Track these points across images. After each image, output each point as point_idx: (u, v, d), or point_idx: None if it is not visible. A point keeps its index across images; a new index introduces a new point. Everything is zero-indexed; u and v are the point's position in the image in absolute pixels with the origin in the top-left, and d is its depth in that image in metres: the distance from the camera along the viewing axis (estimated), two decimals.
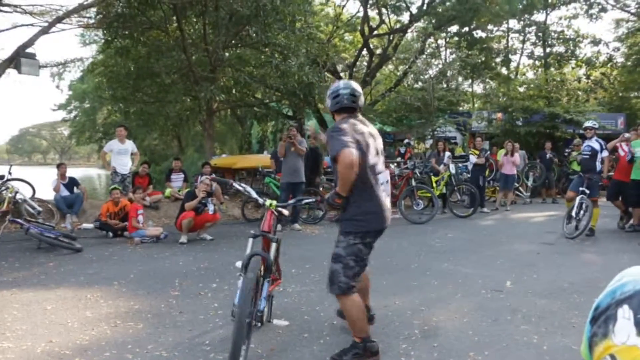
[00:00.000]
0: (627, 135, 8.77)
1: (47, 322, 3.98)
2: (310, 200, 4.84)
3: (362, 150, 3.06)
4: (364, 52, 18.97)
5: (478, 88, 24.54)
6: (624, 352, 0.84)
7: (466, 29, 21.05)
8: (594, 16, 21.68)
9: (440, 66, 18.67)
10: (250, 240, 3.58)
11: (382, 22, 18.79)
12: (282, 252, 4.05)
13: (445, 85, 16.91)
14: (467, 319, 4.04)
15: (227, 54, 13.05)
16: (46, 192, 9.92)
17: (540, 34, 22.67)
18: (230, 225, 9.50)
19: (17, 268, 5.89)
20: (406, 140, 16.10)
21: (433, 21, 18.44)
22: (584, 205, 7.82)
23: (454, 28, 21.14)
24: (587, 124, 8.53)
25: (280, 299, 4.42)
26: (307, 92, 12.95)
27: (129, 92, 13.63)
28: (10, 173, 9.15)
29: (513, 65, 24.15)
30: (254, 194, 4.05)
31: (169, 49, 12.35)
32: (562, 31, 22.92)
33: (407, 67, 17.35)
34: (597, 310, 0.95)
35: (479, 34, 22.21)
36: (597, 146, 8.06)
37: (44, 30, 9.70)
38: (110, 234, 8.07)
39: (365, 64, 19.83)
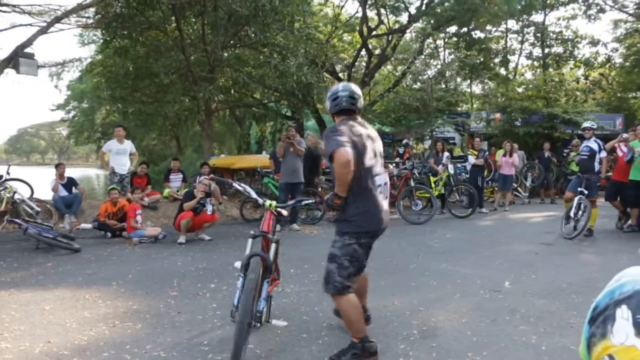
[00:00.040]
0: (625, 135, 8.78)
1: (45, 322, 3.98)
2: (310, 201, 4.85)
3: (358, 151, 3.07)
4: (363, 52, 18.96)
5: (477, 88, 24.59)
6: (623, 353, 0.84)
7: (465, 29, 21.06)
8: (593, 17, 21.71)
9: (439, 66, 18.71)
10: (250, 240, 3.58)
11: (380, 22, 18.80)
12: (281, 252, 4.05)
13: (444, 86, 16.91)
14: (466, 320, 4.04)
15: (225, 54, 13.04)
16: (44, 192, 9.90)
17: (538, 35, 22.68)
18: (228, 225, 9.50)
19: (15, 268, 5.87)
20: (405, 141, 16.09)
21: (432, 21, 18.45)
22: (582, 206, 7.83)
23: (452, 28, 21.15)
24: (586, 124, 8.54)
25: (279, 299, 4.42)
26: (305, 93, 12.95)
27: (128, 92, 13.62)
28: (8, 173, 9.15)
29: (512, 65, 24.19)
30: (253, 194, 4.06)
31: (168, 49, 12.34)
32: (561, 32, 22.95)
33: (405, 67, 17.34)
34: (596, 311, 0.95)
35: (478, 34, 22.23)
36: (595, 147, 8.08)
37: (43, 30, 9.69)
38: (109, 234, 8.07)
39: (364, 64, 19.83)
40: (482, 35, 22.41)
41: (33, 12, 10.36)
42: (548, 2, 21.65)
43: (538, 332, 3.74)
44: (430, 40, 20.33)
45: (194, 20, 12.79)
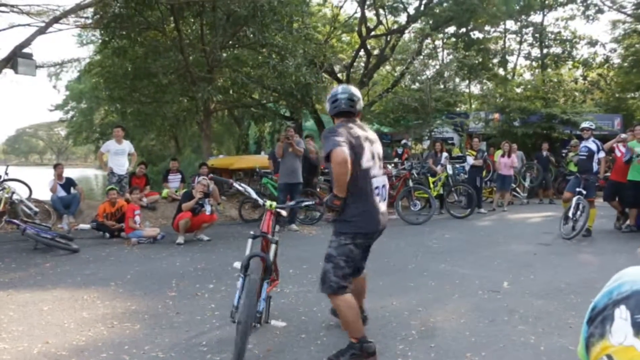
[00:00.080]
0: (623, 135, 8.79)
1: (43, 323, 3.97)
2: (310, 203, 4.86)
3: (354, 152, 3.09)
4: (362, 52, 18.95)
5: (475, 89, 24.61)
6: (621, 353, 0.84)
7: (463, 29, 21.07)
8: (591, 17, 21.77)
9: (437, 67, 18.71)
10: (250, 241, 3.59)
11: (379, 23, 18.80)
12: (280, 252, 4.05)
13: (442, 86, 16.93)
14: (465, 320, 4.04)
15: (224, 55, 13.02)
16: (43, 193, 9.88)
17: (537, 35, 22.73)
18: (227, 225, 9.50)
19: (13, 269, 5.87)
20: (403, 141, 16.09)
21: (430, 22, 18.45)
22: (580, 206, 7.84)
23: (451, 29, 21.17)
24: (584, 124, 8.55)
25: (278, 299, 4.42)
26: (304, 93, 12.94)
27: (126, 92, 13.60)
28: (6, 173, 9.14)
29: (510, 66, 24.22)
30: (254, 195, 4.07)
31: (166, 49, 12.33)
32: (559, 32, 23.01)
33: (404, 67, 17.37)
34: (594, 311, 0.95)
35: (476, 34, 22.25)
36: (593, 147, 8.08)
37: (41, 31, 9.68)
38: (107, 234, 8.06)
39: (362, 64, 19.82)
40: (480, 35, 22.44)
41: (31, 12, 10.34)
42: (546, 2, 21.70)
43: (537, 333, 3.74)
44: (428, 40, 20.34)
45: (192, 20, 12.78)
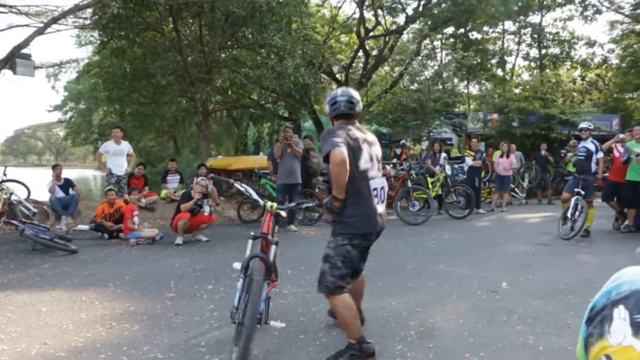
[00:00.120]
0: (622, 136, 8.81)
1: (41, 324, 3.96)
2: (311, 204, 4.86)
3: (352, 154, 3.11)
4: (360, 53, 18.96)
5: (474, 89, 24.62)
6: (620, 353, 0.84)
7: (462, 30, 21.10)
8: (589, 18, 21.79)
9: (436, 67, 18.70)
10: (250, 241, 3.59)
11: (378, 23, 18.81)
12: (278, 253, 4.04)
13: (441, 87, 16.94)
14: (463, 320, 4.04)
15: (223, 55, 13.03)
16: (41, 194, 9.88)
17: (535, 36, 22.74)
18: (226, 226, 9.49)
19: (11, 270, 5.86)
20: (402, 142, 16.12)
21: (429, 23, 18.46)
22: (579, 206, 7.85)
23: (449, 29, 21.18)
24: (582, 125, 8.57)
25: (276, 300, 4.41)
26: (303, 94, 12.96)
27: (125, 93, 13.60)
28: (5, 174, 9.12)
29: (508, 66, 24.22)
30: (254, 195, 4.08)
31: (165, 50, 12.33)
32: (557, 33, 23.02)
33: (403, 68, 17.38)
34: (593, 311, 0.95)
35: (475, 35, 22.27)
36: (592, 147, 8.09)
37: (40, 31, 9.66)
38: (106, 235, 8.05)
39: (361, 65, 19.82)
40: (479, 36, 22.46)
41: (30, 13, 10.32)
42: (545, 3, 21.71)
43: (535, 333, 3.74)
44: (427, 41, 20.34)
45: (191, 21, 12.78)
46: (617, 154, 8.61)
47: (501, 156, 11.85)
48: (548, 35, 22.89)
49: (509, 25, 22.90)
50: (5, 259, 6.39)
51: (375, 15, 18.63)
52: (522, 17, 22.07)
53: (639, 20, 20.58)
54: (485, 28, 21.94)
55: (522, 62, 24.73)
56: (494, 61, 23.47)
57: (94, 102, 24.39)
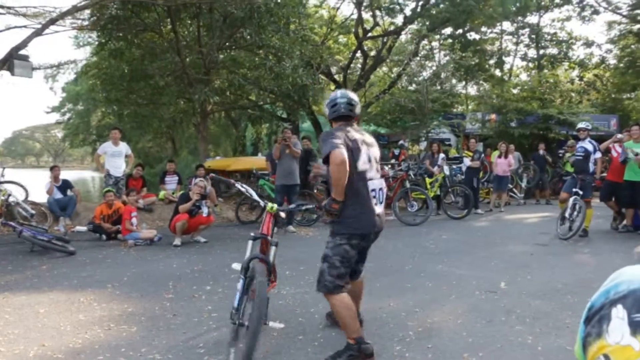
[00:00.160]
0: (620, 136, 8.83)
1: (39, 325, 3.95)
2: (310, 206, 4.87)
3: (351, 155, 3.13)
4: (358, 54, 18.96)
5: (472, 90, 24.60)
6: (618, 352, 0.84)
7: (460, 31, 21.05)
8: (587, 18, 21.80)
9: (434, 68, 18.71)
10: (250, 242, 3.60)
11: (376, 24, 18.79)
12: (277, 254, 4.04)
13: (439, 87, 16.95)
14: (462, 320, 4.04)
15: (221, 56, 13.02)
16: (39, 195, 9.86)
17: (533, 36, 22.75)
18: (224, 227, 9.48)
19: (9, 271, 5.84)
20: (400, 142, 16.10)
21: (427, 23, 18.45)
22: (577, 206, 7.85)
23: (447, 30, 21.14)
24: (580, 125, 8.57)
25: (275, 301, 4.40)
26: (301, 94, 12.95)
27: (123, 94, 13.59)
28: (3, 175, 9.12)
29: (507, 67, 24.23)
30: (255, 196, 4.09)
31: (163, 51, 12.32)
32: (555, 33, 23.03)
33: (401, 69, 17.38)
34: (591, 310, 0.95)
35: (473, 36, 22.24)
36: (590, 147, 8.10)
37: (38, 32, 9.65)
38: (104, 236, 8.04)
39: (359, 66, 19.82)
40: (477, 36, 22.43)
41: (28, 14, 10.30)
42: (542, 3, 21.74)
43: (534, 333, 3.75)
44: (425, 41, 20.34)
45: (189, 22, 12.78)
46: (615, 154, 8.63)
47: (499, 156, 11.86)
48: (546, 36, 22.91)
49: (507, 25, 22.91)
50: (3, 260, 6.37)
51: (374, 16, 18.63)
52: (520, 18, 22.07)
53: (637, 21, 20.61)
54: (484, 28, 21.92)
55: (520, 62, 24.78)
56: (492, 62, 23.46)
57: (92, 103, 24.37)
